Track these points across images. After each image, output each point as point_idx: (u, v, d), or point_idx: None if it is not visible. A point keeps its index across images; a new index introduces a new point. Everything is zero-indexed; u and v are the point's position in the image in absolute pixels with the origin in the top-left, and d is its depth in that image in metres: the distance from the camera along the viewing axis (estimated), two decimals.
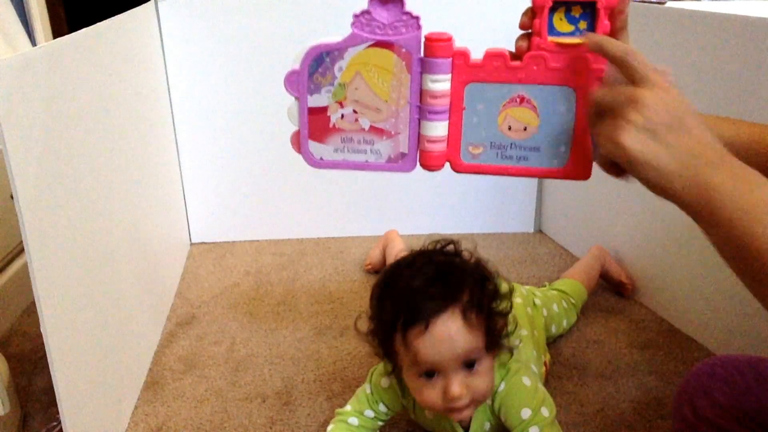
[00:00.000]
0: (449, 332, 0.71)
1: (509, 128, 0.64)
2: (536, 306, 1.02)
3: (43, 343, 0.70)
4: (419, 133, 0.65)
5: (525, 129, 0.63)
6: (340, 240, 1.51)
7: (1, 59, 0.64)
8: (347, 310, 1.22)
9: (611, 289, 1.26)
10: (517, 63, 0.61)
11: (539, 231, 1.55)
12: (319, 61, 0.63)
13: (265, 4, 1.33)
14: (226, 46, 1.36)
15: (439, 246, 0.81)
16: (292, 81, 0.64)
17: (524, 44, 0.61)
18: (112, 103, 0.98)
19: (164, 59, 1.34)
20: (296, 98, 0.65)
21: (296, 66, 0.63)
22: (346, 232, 1.53)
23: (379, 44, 0.62)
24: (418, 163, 0.66)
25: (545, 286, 1.16)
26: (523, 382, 0.80)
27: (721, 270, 1.05)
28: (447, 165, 0.66)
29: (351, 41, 0.62)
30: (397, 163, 0.66)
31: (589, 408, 0.95)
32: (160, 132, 1.30)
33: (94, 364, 0.84)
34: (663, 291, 1.20)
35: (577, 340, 1.11)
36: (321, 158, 0.67)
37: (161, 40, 1.33)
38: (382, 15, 0.61)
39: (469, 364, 0.73)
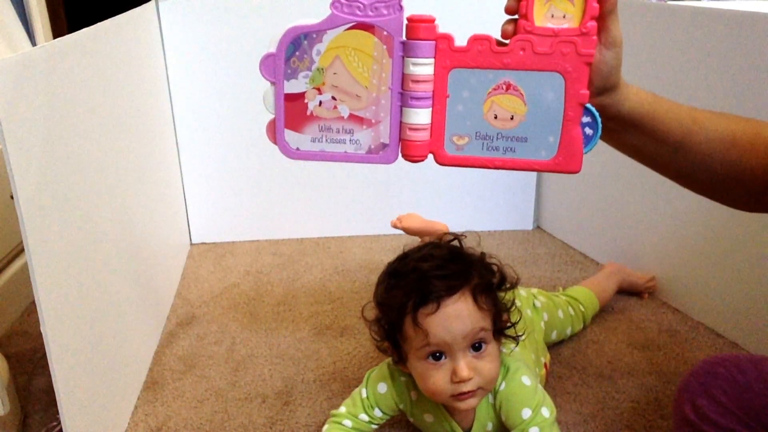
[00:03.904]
0: (460, 311, 0.73)
1: (495, 117, 0.60)
2: (536, 309, 1.01)
3: (43, 343, 0.70)
4: (401, 121, 0.61)
5: (512, 118, 0.60)
6: (340, 240, 1.51)
7: (1, 59, 0.64)
8: (347, 310, 1.22)
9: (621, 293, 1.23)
10: (502, 47, 0.58)
11: (538, 228, 1.55)
12: (297, 44, 0.60)
13: (265, 4, 1.33)
14: (227, 46, 1.36)
15: (444, 240, 0.83)
16: (267, 65, 0.61)
17: (510, 28, 0.58)
18: (113, 103, 0.98)
19: (164, 59, 1.34)
20: (272, 83, 0.61)
21: (272, 49, 0.60)
22: (346, 232, 1.53)
23: (359, 26, 0.59)
24: (399, 155, 0.63)
25: (558, 291, 1.14)
26: (523, 382, 0.79)
27: (724, 260, 1.06)
28: (430, 157, 0.63)
29: (330, 23, 0.59)
30: (378, 154, 0.62)
31: (589, 408, 0.95)
32: (160, 132, 1.30)
33: (94, 364, 0.84)
34: (664, 283, 1.21)
35: (577, 340, 1.11)
36: (297, 149, 0.63)
37: (161, 40, 1.33)
38: None
39: (476, 347, 0.74)
